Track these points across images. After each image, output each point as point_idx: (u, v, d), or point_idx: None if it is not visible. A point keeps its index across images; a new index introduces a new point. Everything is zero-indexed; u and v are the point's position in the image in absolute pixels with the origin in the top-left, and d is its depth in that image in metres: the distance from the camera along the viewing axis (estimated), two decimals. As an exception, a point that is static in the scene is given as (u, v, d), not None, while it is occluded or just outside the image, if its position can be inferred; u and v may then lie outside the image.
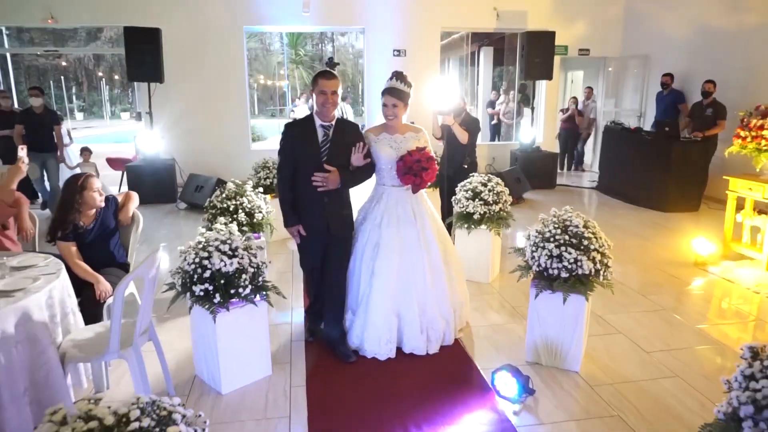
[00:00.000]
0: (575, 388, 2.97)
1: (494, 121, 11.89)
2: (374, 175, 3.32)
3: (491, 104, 12.19)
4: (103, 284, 3.02)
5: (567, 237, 2.97)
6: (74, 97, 34.40)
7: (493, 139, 11.83)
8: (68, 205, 3.03)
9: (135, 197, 3.46)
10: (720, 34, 7.61)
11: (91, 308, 2.97)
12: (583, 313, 3.02)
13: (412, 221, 3.27)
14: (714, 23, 7.72)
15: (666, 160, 6.93)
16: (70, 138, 9.28)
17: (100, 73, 33.28)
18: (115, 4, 8.30)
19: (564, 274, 2.95)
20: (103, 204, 3.18)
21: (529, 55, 8.45)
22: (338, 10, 8.97)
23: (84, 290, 3.02)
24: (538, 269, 3.04)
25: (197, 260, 2.72)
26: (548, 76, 8.69)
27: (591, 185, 8.93)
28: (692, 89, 7.96)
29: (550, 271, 2.98)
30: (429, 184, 3.22)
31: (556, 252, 2.95)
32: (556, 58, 9.45)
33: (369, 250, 3.25)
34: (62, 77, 31.51)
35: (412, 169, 3.10)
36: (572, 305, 3.00)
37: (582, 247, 2.93)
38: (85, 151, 8.01)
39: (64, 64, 29.96)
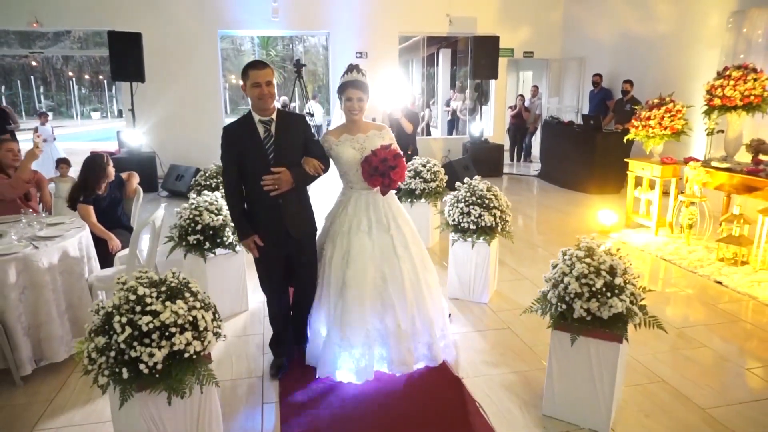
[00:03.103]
0: (482, 314, 3.92)
1: (450, 118, 12.90)
2: (340, 179, 3.12)
3: (447, 103, 13.20)
4: (114, 240, 3.85)
5: (474, 198, 3.92)
6: (42, 97, 34.30)
7: (450, 133, 12.83)
8: (93, 176, 3.86)
9: (137, 175, 4.30)
10: (638, 40, 8.75)
11: (104, 259, 3.79)
12: (488, 256, 3.98)
13: (384, 227, 2.99)
14: (634, 30, 8.86)
15: (591, 150, 8.00)
16: (53, 137, 9.96)
17: (70, 73, 33.22)
18: (98, 8, 8.99)
19: (472, 227, 3.90)
20: (113, 178, 4.01)
21: (477, 57, 9.46)
22: (305, 16, 9.83)
23: (98, 246, 3.83)
24: (453, 223, 3.99)
25: (191, 216, 3.58)
26: (494, 76, 9.72)
27: (534, 173, 10.00)
28: (618, 87, 9.08)
29: (462, 225, 3.93)
30: (400, 183, 2.98)
31: (465, 210, 3.90)
32: (505, 60, 10.53)
33: (338, 259, 2.94)
34: (31, 77, 31.37)
35: (378, 170, 2.82)
36: (479, 250, 3.96)
37: (484, 206, 3.88)
38: (63, 164, 6.12)
39: (33, 63, 29.84)
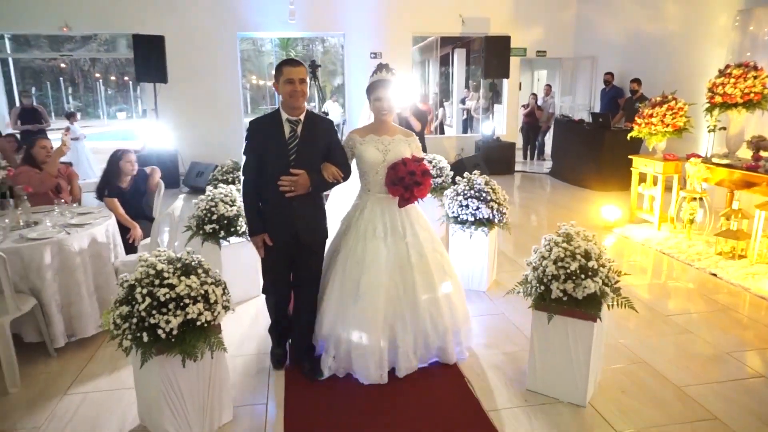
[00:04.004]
0: (479, 301, 4.14)
1: (464, 116, 13.09)
2: (359, 180, 3.06)
3: (463, 101, 13.39)
4: (137, 230, 4.17)
5: (472, 192, 4.14)
6: (70, 98, 35.41)
7: (465, 131, 13.03)
8: (109, 170, 4.19)
9: (158, 170, 4.63)
10: (649, 39, 8.83)
11: (129, 246, 4.11)
12: (486, 246, 4.19)
13: (400, 234, 2.95)
14: (644, 29, 8.93)
15: (599, 147, 8.11)
16: (84, 135, 10.46)
17: (97, 74, 34.23)
18: (124, 13, 9.41)
19: (470, 218, 4.12)
20: (135, 172, 4.33)
21: (488, 57, 9.63)
22: (321, 18, 10.12)
23: (123, 235, 4.15)
24: (453, 215, 4.21)
25: (207, 207, 3.87)
26: (505, 75, 9.88)
27: (546, 171, 10.13)
28: (628, 86, 9.16)
29: (461, 217, 4.15)
30: (419, 200, 2.93)
31: (464, 203, 4.13)
32: (518, 59, 10.68)
33: (353, 265, 2.90)
34: (60, 79, 32.39)
35: (404, 181, 2.79)
36: (477, 241, 4.18)
37: (482, 199, 4.09)
38: None
39: (62, 65, 30.85)
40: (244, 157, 2.83)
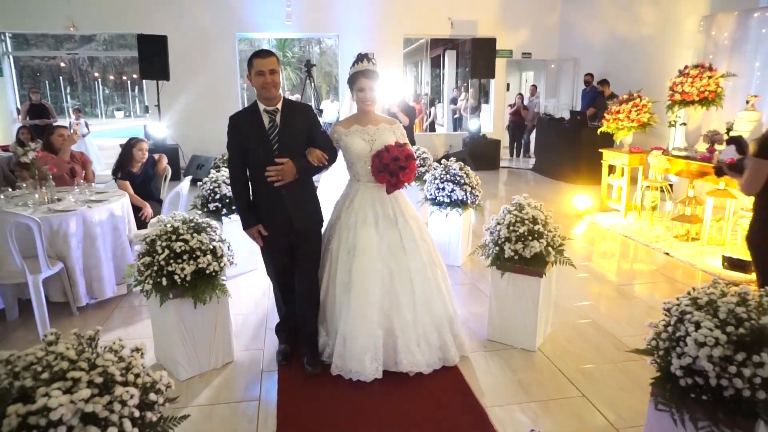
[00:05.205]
0: (454, 273, 4.61)
1: (456, 115, 13.60)
2: (347, 170, 3.07)
3: (453, 101, 13.90)
4: (148, 208, 4.64)
5: (448, 176, 4.63)
6: (69, 97, 35.80)
7: (455, 130, 13.53)
8: (124, 157, 4.67)
9: (165, 157, 5.10)
10: (626, 42, 9.36)
11: (139, 224, 4.58)
12: (460, 225, 4.68)
13: (392, 221, 2.94)
14: (621, 33, 9.47)
15: (577, 143, 8.62)
16: (88, 129, 10.91)
17: (96, 74, 34.62)
18: (128, 13, 9.88)
19: (446, 200, 4.61)
20: (145, 159, 4.81)
21: (475, 58, 10.14)
22: (316, 20, 10.61)
23: (136, 213, 4.62)
24: (430, 197, 4.70)
25: (211, 187, 4.35)
26: (491, 76, 10.39)
27: (530, 167, 10.64)
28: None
29: (438, 199, 4.64)
30: (406, 184, 2.93)
31: (441, 186, 4.62)
32: (504, 60, 11.20)
33: (344, 254, 2.90)
34: (60, 78, 32.76)
35: (388, 167, 2.80)
36: (452, 220, 4.66)
37: (456, 182, 4.59)
38: None
39: (62, 65, 31.23)
40: (228, 154, 2.86)
